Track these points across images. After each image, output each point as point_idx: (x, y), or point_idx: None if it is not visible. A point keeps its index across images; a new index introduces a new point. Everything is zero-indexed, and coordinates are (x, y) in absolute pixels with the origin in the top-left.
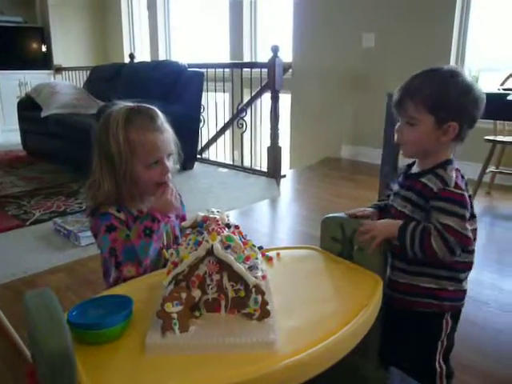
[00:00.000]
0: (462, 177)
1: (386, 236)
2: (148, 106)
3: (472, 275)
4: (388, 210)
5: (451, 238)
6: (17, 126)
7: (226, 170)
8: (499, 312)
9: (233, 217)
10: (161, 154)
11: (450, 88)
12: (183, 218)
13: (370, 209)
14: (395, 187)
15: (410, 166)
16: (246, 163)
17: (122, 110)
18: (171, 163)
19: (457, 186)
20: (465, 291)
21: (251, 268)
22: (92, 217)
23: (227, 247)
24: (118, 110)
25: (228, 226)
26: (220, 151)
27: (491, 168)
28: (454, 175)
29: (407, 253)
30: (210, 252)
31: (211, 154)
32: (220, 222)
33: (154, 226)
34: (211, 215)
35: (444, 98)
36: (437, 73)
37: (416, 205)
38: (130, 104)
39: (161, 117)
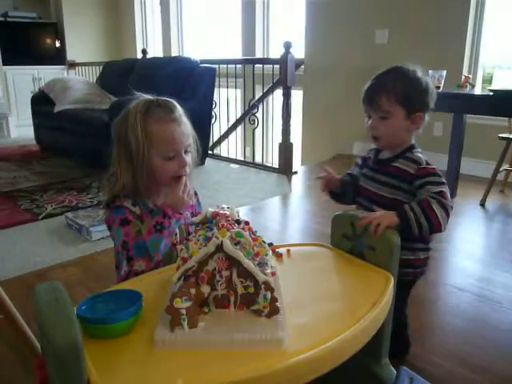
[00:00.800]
0: None
1: (388, 223)
2: (167, 98)
3: (485, 274)
4: (359, 190)
5: (447, 202)
6: (30, 121)
7: (237, 166)
8: None
9: (243, 213)
10: (178, 146)
11: (415, 82)
12: None
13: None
14: (365, 170)
15: (377, 150)
16: (258, 159)
17: (142, 101)
18: (189, 158)
19: (427, 163)
20: (429, 257)
21: (261, 264)
22: (107, 209)
23: (237, 243)
24: (138, 102)
25: (238, 222)
26: (232, 147)
27: (505, 166)
28: (421, 156)
29: (412, 232)
30: (220, 248)
31: (223, 149)
32: (230, 218)
33: (165, 221)
34: (221, 211)
35: (412, 92)
36: (402, 70)
37: (398, 188)
38: (150, 97)
39: (179, 109)
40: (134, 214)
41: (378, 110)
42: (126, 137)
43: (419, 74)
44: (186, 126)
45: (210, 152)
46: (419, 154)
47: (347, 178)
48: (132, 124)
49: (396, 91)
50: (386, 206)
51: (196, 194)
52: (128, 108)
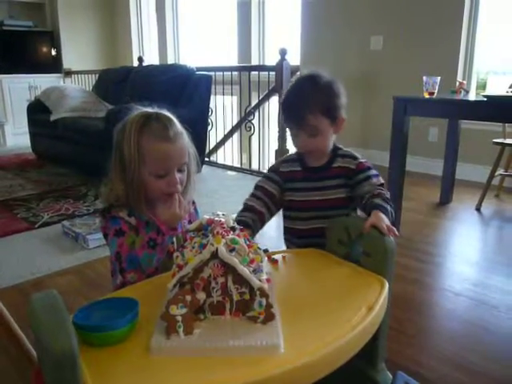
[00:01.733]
0: None
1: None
2: (166, 114)
3: (481, 279)
4: (298, 204)
5: (387, 192)
6: (26, 129)
7: (234, 172)
8: (509, 316)
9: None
10: (170, 165)
11: (332, 90)
12: None
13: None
14: (300, 184)
15: (300, 161)
16: (254, 166)
17: (140, 114)
18: (183, 175)
19: (362, 159)
20: None
21: (256, 271)
22: (103, 218)
23: (232, 250)
24: (137, 114)
25: (233, 228)
26: (228, 154)
27: (500, 171)
28: (351, 151)
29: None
30: (215, 255)
31: (219, 156)
32: (225, 225)
33: (158, 238)
34: (216, 218)
35: (333, 101)
36: (317, 80)
37: (343, 185)
38: (149, 109)
39: (177, 126)
40: (130, 224)
41: (306, 128)
42: (121, 147)
43: (328, 77)
44: (182, 144)
45: (206, 159)
46: (348, 149)
47: (245, 218)
48: (127, 136)
49: (319, 105)
50: (331, 208)
51: (194, 202)
52: (128, 117)
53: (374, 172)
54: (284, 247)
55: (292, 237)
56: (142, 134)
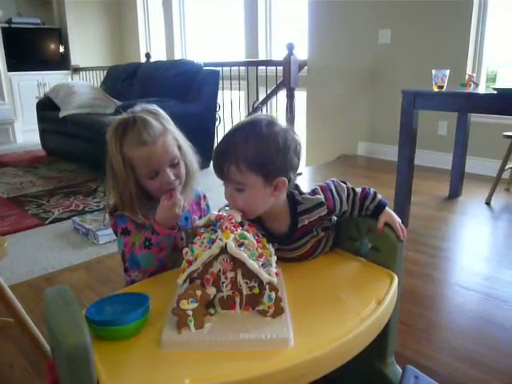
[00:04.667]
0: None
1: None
2: (143, 116)
3: (490, 273)
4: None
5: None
6: (36, 126)
7: None
8: None
9: None
10: (156, 165)
11: (269, 143)
12: None
13: None
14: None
15: (256, 221)
16: None
17: (117, 123)
18: (178, 168)
19: (321, 191)
20: None
21: (264, 265)
22: (111, 216)
23: (241, 245)
24: (114, 123)
25: (242, 224)
26: None
27: (510, 164)
28: (308, 195)
29: None
30: (224, 250)
31: None
32: (233, 220)
33: (153, 238)
34: (225, 213)
35: (266, 156)
36: (254, 127)
37: (318, 232)
38: (126, 116)
39: (153, 127)
40: (136, 222)
41: (231, 181)
42: (110, 159)
43: (276, 128)
44: (164, 141)
45: None
46: (307, 195)
47: None
48: (111, 148)
49: (247, 158)
50: (309, 255)
51: (205, 197)
52: (109, 128)
53: (333, 186)
54: None
55: None
56: (123, 144)
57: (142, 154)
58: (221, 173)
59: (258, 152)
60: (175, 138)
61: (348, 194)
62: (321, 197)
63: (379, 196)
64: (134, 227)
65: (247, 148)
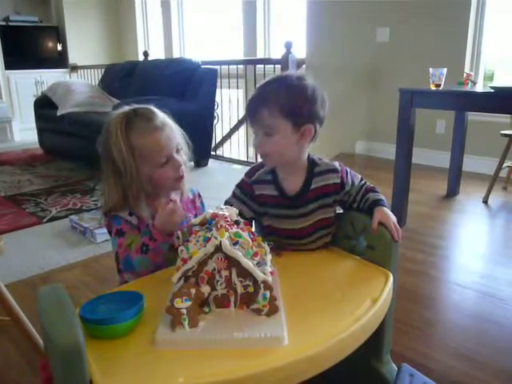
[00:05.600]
0: None
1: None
2: (144, 106)
3: (487, 271)
4: (273, 230)
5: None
6: (33, 125)
7: (240, 166)
8: None
9: None
10: (168, 150)
11: (300, 92)
12: None
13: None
14: (276, 211)
15: (275, 184)
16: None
17: (120, 116)
18: (183, 157)
19: (339, 165)
20: None
21: (259, 264)
22: (105, 216)
23: (235, 243)
24: (116, 118)
25: (237, 222)
26: (234, 148)
27: (508, 163)
28: (327, 160)
29: None
30: (219, 248)
31: (225, 150)
32: (229, 219)
33: (150, 243)
34: (220, 212)
35: (297, 102)
36: (286, 79)
37: (326, 205)
38: (126, 109)
39: (158, 114)
40: (131, 224)
41: (261, 125)
42: (110, 154)
43: (306, 81)
44: (169, 128)
45: (212, 153)
46: (325, 160)
47: None
48: (114, 141)
49: (278, 103)
50: (312, 234)
51: (200, 196)
52: (108, 124)
53: (351, 172)
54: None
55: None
56: (130, 135)
57: (154, 139)
58: (253, 117)
59: (288, 99)
60: (176, 129)
61: (361, 179)
62: (337, 164)
63: (383, 197)
64: (128, 228)
65: (279, 95)
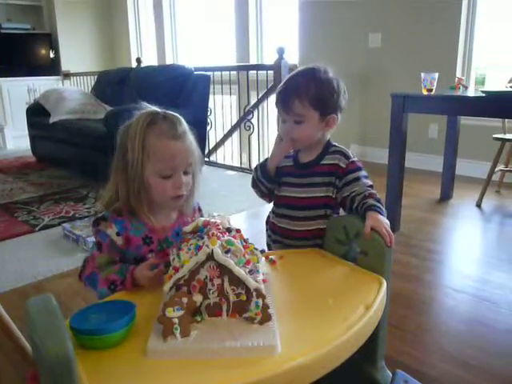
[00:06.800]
0: None
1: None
2: (174, 113)
3: (481, 275)
4: (284, 200)
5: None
6: (26, 132)
7: (234, 172)
8: (509, 312)
9: (241, 219)
10: (176, 165)
11: (328, 85)
12: None
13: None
14: (286, 179)
15: (294, 156)
16: (254, 165)
17: (147, 112)
18: (189, 177)
19: (354, 157)
20: None
21: (251, 272)
22: (93, 227)
23: (227, 251)
24: (143, 112)
25: (229, 230)
26: (228, 154)
27: (500, 166)
28: (344, 147)
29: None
30: (211, 257)
31: (219, 156)
32: (220, 227)
33: (119, 287)
34: (212, 219)
35: (325, 95)
36: (315, 72)
37: (330, 183)
38: (157, 109)
39: (185, 125)
40: (114, 244)
41: (292, 114)
42: (124, 146)
43: (331, 74)
44: (189, 143)
45: (206, 159)
46: (342, 146)
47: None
48: (132, 134)
49: (309, 95)
50: (317, 208)
51: (200, 209)
52: (134, 117)
53: (364, 173)
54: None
55: (275, 234)
56: (149, 132)
57: (168, 146)
58: (286, 106)
59: (318, 91)
60: (195, 144)
61: (371, 185)
62: (351, 154)
63: (383, 207)
64: (108, 247)
65: (310, 87)
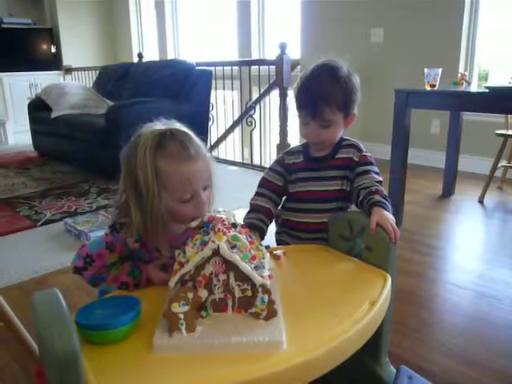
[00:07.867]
0: None
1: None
2: (182, 129)
3: (484, 271)
4: (298, 195)
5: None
6: (28, 127)
7: (235, 167)
8: None
9: (243, 215)
10: (195, 186)
11: (352, 87)
12: None
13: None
14: (302, 174)
15: (304, 151)
16: (256, 161)
17: (153, 132)
18: (209, 191)
19: (366, 152)
20: None
21: (257, 267)
22: (110, 232)
23: (233, 247)
24: (149, 134)
25: (234, 225)
26: (229, 149)
27: (503, 162)
28: (356, 141)
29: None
30: (216, 252)
31: (221, 152)
32: (226, 222)
33: (131, 288)
34: (217, 215)
35: (350, 98)
36: (337, 73)
37: (344, 177)
38: (162, 127)
39: (196, 142)
40: (127, 245)
41: (321, 120)
42: (135, 172)
43: (348, 70)
44: (204, 162)
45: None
46: (354, 139)
47: (252, 220)
48: (141, 161)
49: (337, 100)
50: (329, 200)
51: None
52: (138, 136)
53: (375, 169)
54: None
55: (289, 229)
56: (159, 157)
57: (183, 170)
58: (314, 113)
59: (345, 93)
60: (209, 157)
61: (380, 181)
62: (361, 146)
63: (389, 204)
64: (120, 247)
65: (337, 92)
